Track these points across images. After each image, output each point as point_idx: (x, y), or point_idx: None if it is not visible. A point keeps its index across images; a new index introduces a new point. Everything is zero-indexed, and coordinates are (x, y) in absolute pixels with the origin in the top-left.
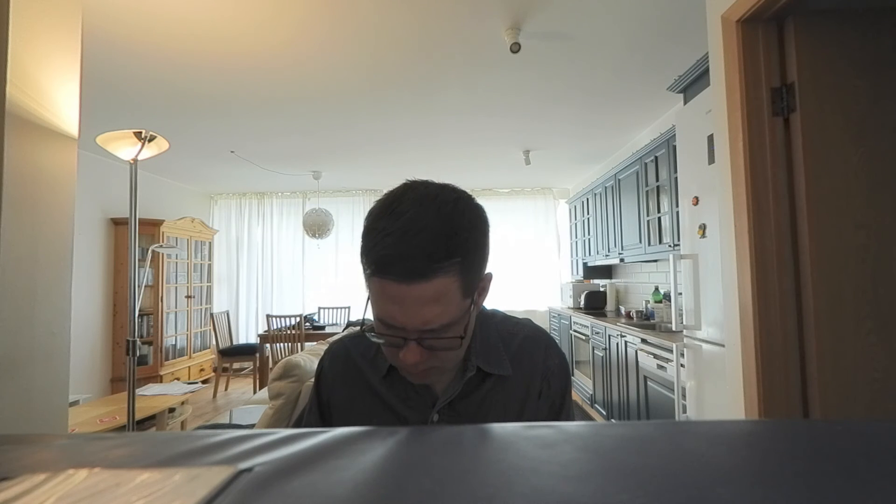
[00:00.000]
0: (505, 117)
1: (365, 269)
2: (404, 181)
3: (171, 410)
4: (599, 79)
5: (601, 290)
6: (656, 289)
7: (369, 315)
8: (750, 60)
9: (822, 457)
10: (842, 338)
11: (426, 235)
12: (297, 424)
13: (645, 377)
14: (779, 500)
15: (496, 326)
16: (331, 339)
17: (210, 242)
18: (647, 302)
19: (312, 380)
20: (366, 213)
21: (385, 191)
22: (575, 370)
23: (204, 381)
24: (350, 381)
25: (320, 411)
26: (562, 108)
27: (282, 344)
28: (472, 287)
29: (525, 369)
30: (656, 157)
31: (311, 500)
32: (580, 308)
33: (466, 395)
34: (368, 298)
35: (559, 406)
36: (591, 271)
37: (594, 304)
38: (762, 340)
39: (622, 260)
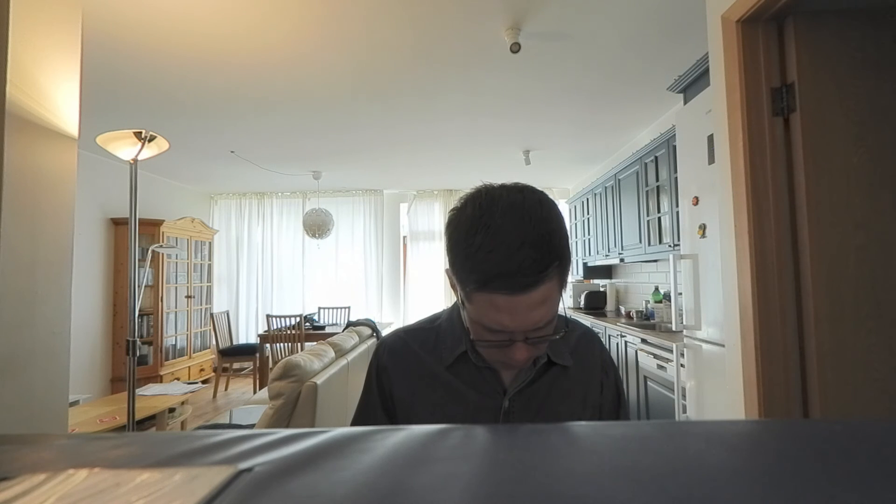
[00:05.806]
0: (505, 117)
1: (465, 285)
2: (477, 187)
3: (171, 410)
4: (599, 79)
5: (601, 290)
6: (656, 289)
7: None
8: (750, 60)
9: (822, 457)
10: (842, 338)
11: (529, 248)
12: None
13: (645, 377)
14: (779, 500)
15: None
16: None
17: (210, 242)
18: (647, 302)
19: (312, 380)
20: (445, 217)
21: (387, 192)
22: None
23: (204, 381)
24: (413, 372)
25: (384, 406)
26: (562, 108)
27: (282, 344)
28: (566, 281)
29: (585, 361)
30: (656, 157)
31: (311, 500)
32: (580, 308)
33: (534, 381)
34: (463, 304)
35: (617, 393)
36: (591, 271)
37: (594, 304)
38: (762, 340)
39: (622, 260)
